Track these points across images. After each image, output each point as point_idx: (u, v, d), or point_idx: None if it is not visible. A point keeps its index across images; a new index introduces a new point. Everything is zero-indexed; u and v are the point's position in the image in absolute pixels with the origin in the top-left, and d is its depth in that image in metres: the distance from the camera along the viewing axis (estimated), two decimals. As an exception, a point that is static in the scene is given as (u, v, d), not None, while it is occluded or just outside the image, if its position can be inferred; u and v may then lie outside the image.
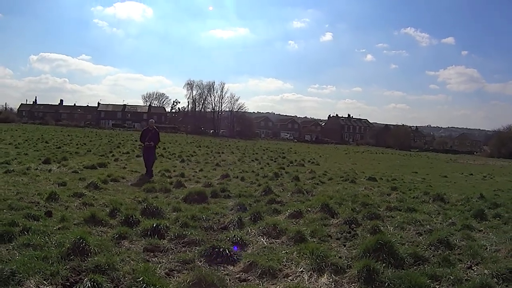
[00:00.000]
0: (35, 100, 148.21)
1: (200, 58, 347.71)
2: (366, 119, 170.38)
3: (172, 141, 61.32)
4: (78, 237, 6.64)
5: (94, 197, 12.02)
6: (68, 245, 6.53)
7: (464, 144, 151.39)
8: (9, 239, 6.99)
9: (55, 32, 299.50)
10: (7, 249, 6.53)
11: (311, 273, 6.36)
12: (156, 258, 7.00)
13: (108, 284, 5.43)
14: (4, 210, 9.22)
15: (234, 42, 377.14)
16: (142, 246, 7.55)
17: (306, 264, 6.63)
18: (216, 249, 7.15)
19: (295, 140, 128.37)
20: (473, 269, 6.79)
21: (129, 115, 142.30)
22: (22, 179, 14.27)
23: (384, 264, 6.52)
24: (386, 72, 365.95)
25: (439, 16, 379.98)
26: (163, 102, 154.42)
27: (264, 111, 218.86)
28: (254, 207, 11.66)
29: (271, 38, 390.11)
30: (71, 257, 6.26)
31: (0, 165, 18.02)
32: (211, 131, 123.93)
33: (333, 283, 6.08)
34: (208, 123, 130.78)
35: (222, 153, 44.29)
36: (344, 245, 8.33)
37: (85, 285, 5.18)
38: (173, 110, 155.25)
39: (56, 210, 9.87)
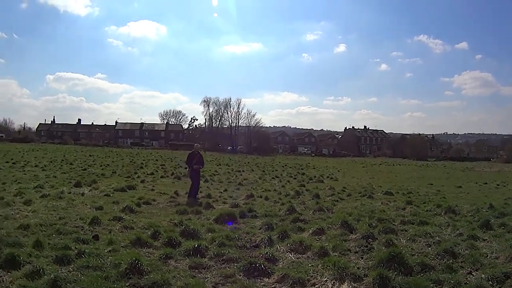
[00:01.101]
0: (53, 119, 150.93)
1: (214, 73, 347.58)
2: (382, 130, 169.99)
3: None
4: (133, 258, 7.68)
5: (132, 220, 13.00)
6: (125, 266, 7.54)
7: (481, 151, 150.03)
8: (68, 262, 7.92)
9: (70, 52, 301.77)
10: (68, 271, 7.43)
11: (333, 282, 7.37)
12: (201, 274, 8.02)
13: None
14: (54, 235, 10.18)
15: (247, 57, 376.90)
16: (187, 264, 8.52)
17: (329, 275, 7.64)
18: (253, 265, 8.21)
19: (313, 154, 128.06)
20: (472, 274, 7.69)
21: (146, 133, 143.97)
22: (59, 204, 15.14)
23: (395, 273, 7.52)
24: (401, 80, 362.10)
25: (451, 21, 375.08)
26: (180, 119, 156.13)
27: (281, 125, 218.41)
28: (280, 226, 12.60)
29: (285, 52, 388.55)
30: (129, 276, 7.30)
31: (35, 189, 19.09)
32: (229, 148, 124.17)
33: None
34: (225, 139, 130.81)
35: (243, 171, 44.79)
36: (362, 258, 9.29)
37: None
38: (190, 127, 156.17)
39: (101, 233, 10.80)
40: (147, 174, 34.35)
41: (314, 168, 57.56)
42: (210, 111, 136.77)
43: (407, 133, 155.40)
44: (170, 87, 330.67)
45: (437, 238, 10.93)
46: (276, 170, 48.60)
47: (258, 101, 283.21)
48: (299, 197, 21.71)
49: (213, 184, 27.94)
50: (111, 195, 19.05)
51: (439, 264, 8.38)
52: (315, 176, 39.81)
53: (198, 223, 13.01)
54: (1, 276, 7.01)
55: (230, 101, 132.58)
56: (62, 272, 7.28)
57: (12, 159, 42.32)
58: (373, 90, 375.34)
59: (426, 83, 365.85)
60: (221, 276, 7.85)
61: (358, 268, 8.30)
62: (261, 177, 37.03)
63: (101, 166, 41.37)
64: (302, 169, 53.70)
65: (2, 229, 10.34)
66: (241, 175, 39.07)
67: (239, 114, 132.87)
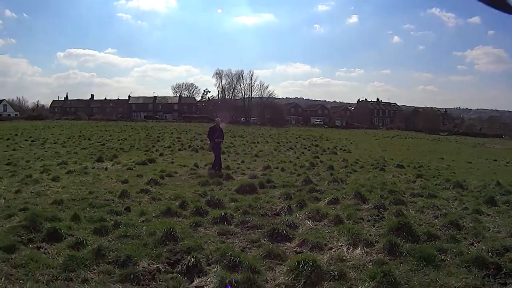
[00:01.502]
0: (66, 96, 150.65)
1: (226, 45, 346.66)
2: (395, 103, 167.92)
3: (207, 132, 60.77)
4: (168, 226, 8.44)
5: (159, 192, 13.67)
6: (161, 234, 8.27)
7: (493, 127, 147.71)
8: (106, 232, 8.56)
9: (80, 29, 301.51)
10: (108, 241, 8.04)
11: (348, 246, 8.09)
12: (229, 240, 8.73)
13: (203, 260, 7.16)
14: (87, 209, 10.85)
15: (259, 28, 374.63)
16: (215, 231, 9.27)
17: (344, 240, 8.37)
18: (276, 231, 8.93)
19: (326, 126, 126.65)
20: (474, 246, 8.28)
21: (160, 106, 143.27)
22: (86, 179, 15.88)
23: (404, 240, 8.22)
24: (414, 53, 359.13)
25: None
26: (192, 92, 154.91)
27: (293, 97, 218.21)
28: (298, 196, 13.33)
29: (296, 23, 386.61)
30: (165, 243, 7.99)
31: (59, 165, 19.77)
32: (242, 119, 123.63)
33: (364, 253, 7.74)
34: (239, 111, 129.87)
35: (258, 143, 45.48)
36: (374, 226, 9.98)
37: (188, 261, 6.87)
38: (203, 100, 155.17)
39: (132, 205, 11.50)
40: (165, 147, 35.22)
41: (327, 140, 58.20)
42: (223, 83, 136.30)
43: (420, 106, 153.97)
44: (181, 59, 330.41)
45: (444, 210, 11.57)
46: (290, 142, 49.40)
47: (270, 73, 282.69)
48: (314, 169, 22.43)
49: (230, 156, 28.63)
50: (133, 168, 19.81)
51: (444, 235, 8.99)
52: (328, 148, 40.71)
53: (221, 193, 13.69)
54: (45, 249, 7.53)
55: (243, 73, 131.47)
56: (103, 242, 7.84)
57: (30, 137, 43.15)
58: (386, 62, 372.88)
59: (439, 56, 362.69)
60: (248, 241, 8.58)
61: (370, 235, 8.95)
62: (276, 149, 37.73)
63: (118, 140, 42.19)
64: (315, 140, 54.54)
65: (37, 205, 10.97)
66: (256, 146, 39.89)
67: (251, 86, 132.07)
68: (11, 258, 6.87)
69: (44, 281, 6.04)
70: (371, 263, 7.26)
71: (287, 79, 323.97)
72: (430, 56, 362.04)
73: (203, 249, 7.81)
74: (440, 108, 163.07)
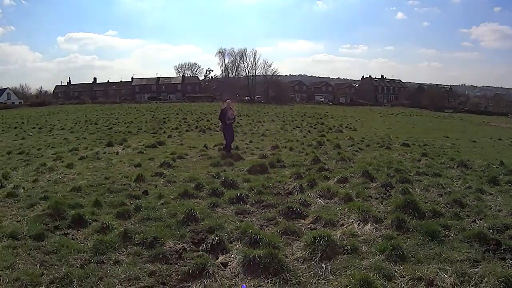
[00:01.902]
0: (69, 80, 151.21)
1: (227, 23, 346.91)
2: (399, 80, 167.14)
3: (212, 112, 61.94)
4: (189, 208, 8.89)
5: (173, 174, 14.02)
6: (182, 215, 8.71)
7: (498, 105, 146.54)
8: (128, 216, 8.94)
9: (79, 12, 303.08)
10: (131, 224, 8.42)
11: (359, 223, 8.52)
12: (247, 218, 9.14)
13: (225, 238, 7.58)
14: (106, 194, 11.19)
15: (260, 5, 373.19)
16: (232, 210, 9.64)
17: (355, 217, 8.81)
18: (291, 209, 9.34)
19: (330, 103, 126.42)
20: (476, 223, 8.64)
21: (163, 87, 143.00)
22: (99, 164, 16.23)
23: (410, 217, 8.60)
24: (418, 29, 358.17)
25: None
26: (195, 71, 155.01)
27: (296, 74, 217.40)
28: (308, 175, 13.59)
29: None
30: (187, 223, 8.42)
31: (71, 152, 20.13)
32: (246, 98, 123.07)
33: (374, 229, 8.19)
34: (242, 89, 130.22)
35: (264, 121, 45.79)
36: (382, 203, 10.31)
37: (212, 239, 7.32)
38: (206, 79, 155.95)
39: (149, 189, 11.81)
40: (172, 129, 35.71)
41: (332, 117, 58.54)
42: (226, 62, 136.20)
43: (424, 82, 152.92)
44: (182, 39, 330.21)
45: (448, 189, 11.90)
46: (296, 120, 49.65)
47: (272, 50, 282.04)
48: (321, 147, 22.90)
49: (238, 136, 28.41)
50: (144, 152, 20.22)
51: (448, 212, 9.42)
52: (334, 126, 41.16)
53: (233, 174, 14.02)
54: (73, 235, 7.85)
55: (246, 52, 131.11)
56: (128, 225, 8.29)
57: (37, 124, 43.81)
58: (390, 39, 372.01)
59: (444, 33, 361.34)
60: (264, 219, 8.96)
61: (379, 212, 9.34)
62: (283, 128, 38.26)
63: (125, 123, 42.65)
64: (320, 118, 54.95)
65: (57, 193, 11.24)
66: (263, 125, 40.36)
67: (255, 65, 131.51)
68: (42, 246, 7.22)
69: (78, 265, 6.41)
70: (380, 238, 7.71)
71: (290, 56, 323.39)
72: (435, 32, 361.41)
73: (224, 228, 8.19)
74: (445, 85, 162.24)
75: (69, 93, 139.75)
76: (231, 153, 19.23)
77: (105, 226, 8.11)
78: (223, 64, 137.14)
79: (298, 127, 39.46)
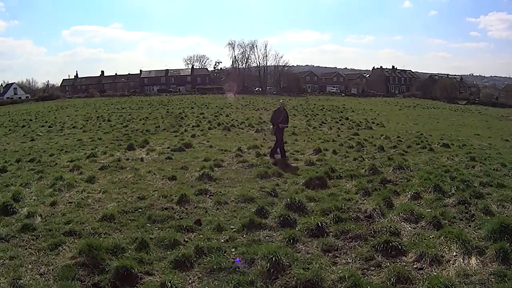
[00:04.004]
0: (76, 74, 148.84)
1: (233, 14, 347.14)
2: (410, 70, 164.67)
3: (226, 105, 60.75)
4: (270, 251, 6.88)
5: (220, 192, 11.77)
6: (265, 263, 6.69)
7: (510, 96, 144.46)
8: (190, 265, 6.88)
9: (84, 5, 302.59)
10: (197, 278, 6.52)
11: (463, 256, 7.09)
12: (338, 259, 7.34)
13: None
14: (148, 225, 8.94)
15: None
16: (317, 247, 7.78)
17: (455, 249, 7.35)
18: (388, 243, 7.56)
19: (343, 94, 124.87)
20: None
21: (172, 79, 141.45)
22: (126, 177, 13.79)
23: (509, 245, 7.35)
24: (426, 19, 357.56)
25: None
26: (204, 63, 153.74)
27: (303, 64, 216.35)
28: (375, 190, 11.86)
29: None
30: (275, 275, 6.47)
31: (88, 159, 17.76)
32: (256, 89, 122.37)
33: (481, 264, 6.88)
34: (253, 81, 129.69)
35: (290, 118, 43.11)
36: (469, 226, 8.94)
37: None
38: (215, 70, 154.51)
39: (198, 214, 9.76)
40: (193, 126, 33.41)
41: (353, 111, 56.74)
42: (236, 53, 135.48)
43: (432, 73, 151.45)
44: (188, 30, 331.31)
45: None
46: (318, 114, 48.21)
47: (278, 40, 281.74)
48: (363, 150, 21.07)
49: (267, 135, 26.31)
50: (172, 157, 17.87)
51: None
52: (361, 122, 39.70)
53: (291, 190, 11.89)
54: None
55: (256, 43, 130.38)
56: (193, 281, 6.41)
57: (46, 121, 41.74)
58: (397, 28, 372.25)
59: (451, 22, 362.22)
60: (361, 259, 7.28)
61: (473, 238, 8.00)
62: (309, 123, 36.64)
63: (140, 120, 40.22)
64: (341, 112, 53.65)
65: (84, 223, 8.97)
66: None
67: (266, 56, 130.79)
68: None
69: None
70: (493, 277, 6.52)
71: (296, 46, 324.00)
72: (442, 22, 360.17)
73: (324, 279, 6.30)
74: (454, 75, 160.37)
75: (77, 87, 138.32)
76: (276, 158, 17.48)
77: (163, 284, 6.07)
78: (233, 55, 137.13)
79: (324, 123, 37.72)
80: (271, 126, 18.98)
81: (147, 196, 11.34)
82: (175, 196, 10.96)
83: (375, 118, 45.33)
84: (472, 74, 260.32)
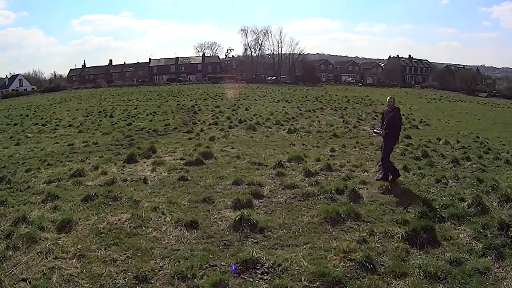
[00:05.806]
0: (84, 63, 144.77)
1: (241, 1, 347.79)
2: (426, 60, 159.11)
3: (242, 95, 56.38)
4: None
5: (276, 262, 6.78)
6: None
7: None
8: None
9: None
10: None
11: None
12: None
13: None
14: None
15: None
16: None
17: None
18: None
19: (360, 84, 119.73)
20: None
21: (182, 67, 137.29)
22: (118, 220, 8.88)
23: None
24: (438, 7, 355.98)
25: None
26: (215, 50, 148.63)
27: (314, 52, 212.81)
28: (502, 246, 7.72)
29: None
30: None
31: (72, 179, 12.66)
32: (268, 78, 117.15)
33: None
34: (266, 69, 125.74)
35: (314, 111, 39.00)
36: None
37: None
38: (227, 58, 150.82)
39: None
40: (209, 123, 28.18)
41: (382, 104, 50.91)
42: (249, 40, 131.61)
43: (443, 62, 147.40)
44: (197, 18, 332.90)
45: None
46: (347, 108, 44.00)
47: (288, 28, 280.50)
48: (437, 165, 15.87)
49: (303, 137, 21.76)
50: (187, 177, 12.67)
51: None
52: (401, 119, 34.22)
53: (390, 253, 7.51)
54: None
55: (270, 29, 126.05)
56: None
57: (42, 118, 36.92)
58: (408, 17, 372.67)
59: (463, 12, 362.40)
60: None
61: None
62: (345, 121, 31.41)
63: (147, 116, 34.65)
64: (370, 105, 49.19)
65: None
66: (318, 117, 33.06)
67: (281, 43, 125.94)
68: None
69: None
70: None
71: (306, 34, 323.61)
72: (454, 11, 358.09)
73: None
74: (470, 66, 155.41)
75: (84, 77, 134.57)
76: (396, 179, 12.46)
77: None
78: (246, 42, 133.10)
79: (361, 120, 32.77)
80: (381, 130, 13.01)
81: (151, 274, 6.56)
82: (200, 277, 6.25)
83: (411, 113, 41.13)
84: (484, 65, 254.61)
